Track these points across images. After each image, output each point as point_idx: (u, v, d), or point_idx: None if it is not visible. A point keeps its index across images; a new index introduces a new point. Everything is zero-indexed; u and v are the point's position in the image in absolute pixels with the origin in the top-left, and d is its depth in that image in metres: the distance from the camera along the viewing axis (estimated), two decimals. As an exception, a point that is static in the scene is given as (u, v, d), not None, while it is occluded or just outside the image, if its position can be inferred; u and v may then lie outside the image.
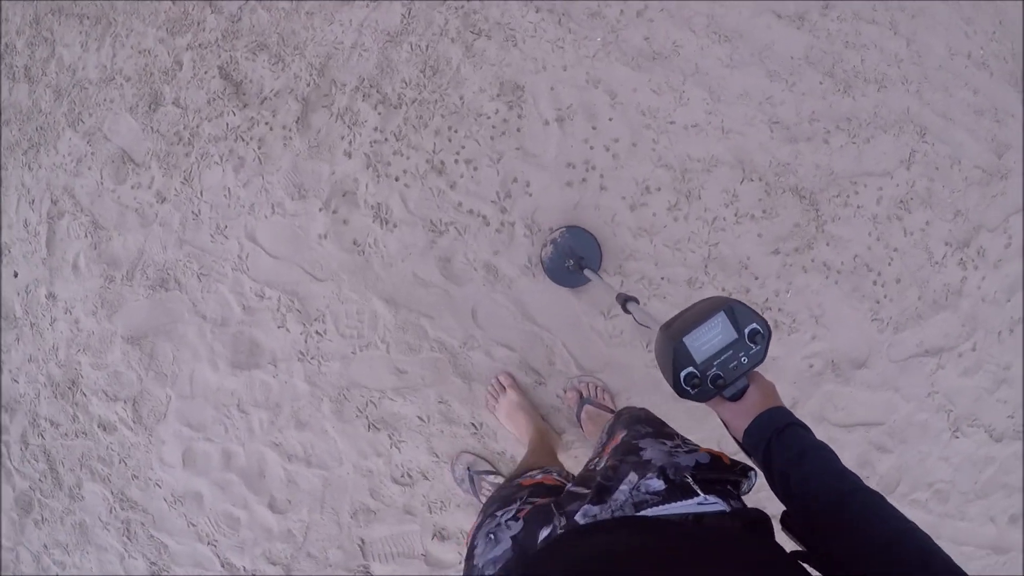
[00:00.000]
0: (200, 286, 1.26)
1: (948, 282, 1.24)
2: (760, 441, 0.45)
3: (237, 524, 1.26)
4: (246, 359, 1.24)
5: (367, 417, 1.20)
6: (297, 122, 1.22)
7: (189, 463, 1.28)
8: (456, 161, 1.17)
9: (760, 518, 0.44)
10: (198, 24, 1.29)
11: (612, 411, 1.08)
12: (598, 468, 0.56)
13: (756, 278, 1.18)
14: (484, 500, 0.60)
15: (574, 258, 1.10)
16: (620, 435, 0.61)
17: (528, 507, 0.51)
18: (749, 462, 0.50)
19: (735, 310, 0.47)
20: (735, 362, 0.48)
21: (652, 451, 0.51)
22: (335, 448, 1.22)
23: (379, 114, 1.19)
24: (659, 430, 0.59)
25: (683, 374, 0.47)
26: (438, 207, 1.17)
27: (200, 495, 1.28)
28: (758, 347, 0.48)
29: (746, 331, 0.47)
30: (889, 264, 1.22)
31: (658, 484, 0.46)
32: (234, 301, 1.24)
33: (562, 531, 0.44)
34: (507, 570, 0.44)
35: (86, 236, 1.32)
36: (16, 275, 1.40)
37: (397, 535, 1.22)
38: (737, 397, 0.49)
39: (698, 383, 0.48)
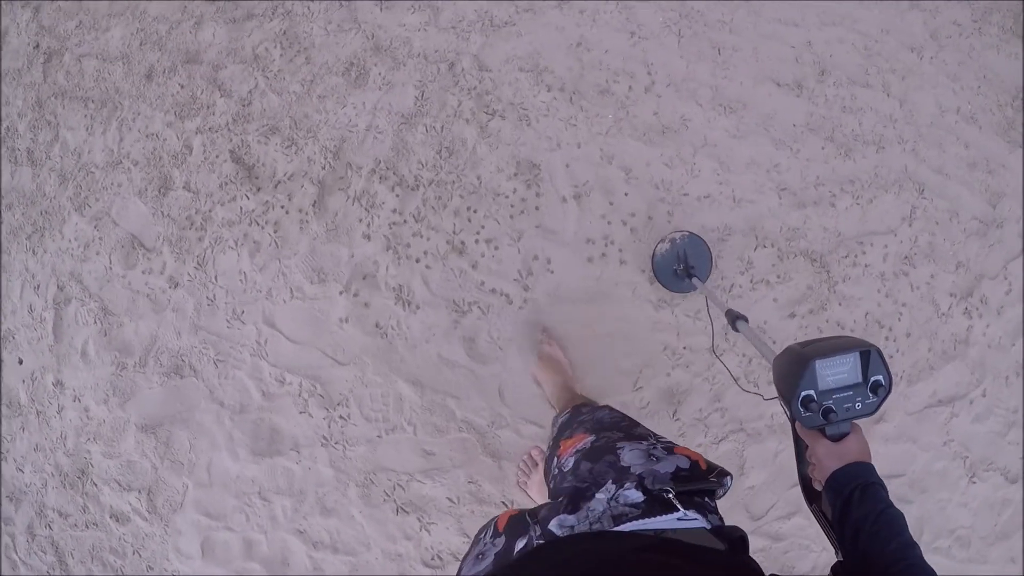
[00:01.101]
0: (217, 372, 1.24)
1: (955, 332, 1.28)
2: (845, 488, 0.46)
3: (263, 618, 1.22)
4: (267, 446, 1.22)
5: (395, 500, 1.19)
6: (313, 205, 1.22)
7: (208, 553, 1.24)
8: (476, 241, 1.18)
9: (742, 536, 0.44)
10: (207, 108, 1.29)
11: None
12: (565, 471, 0.55)
13: (775, 342, 1.21)
14: None
15: (685, 264, 1.10)
16: (584, 437, 0.60)
17: (504, 512, 0.50)
18: (723, 466, 0.51)
19: (870, 355, 0.48)
20: (850, 404, 0.48)
21: (630, 454, 0.51)
22: (363, 533, 1.19)
23: (397, 196, 1.20)
24: (629, 433, 0.59)
25: (803, 394, 0.47)
26: (460, 287, 1.18)
27: (222, 588, 1.24)
28: (875, 399, 0.49)
29: (871, 379, 0.48)
30: (899, 319, 1.25)
31: (636, 495, 0.46)
32: (253, 387, 1.22)
33: (538, 542, 0.44)
34: None
35: (95, 322, 1.29)
36: (21, 362, 1.35)
37: None
38: (836, 438, 0.49)
39: (812, 408, 0.48)
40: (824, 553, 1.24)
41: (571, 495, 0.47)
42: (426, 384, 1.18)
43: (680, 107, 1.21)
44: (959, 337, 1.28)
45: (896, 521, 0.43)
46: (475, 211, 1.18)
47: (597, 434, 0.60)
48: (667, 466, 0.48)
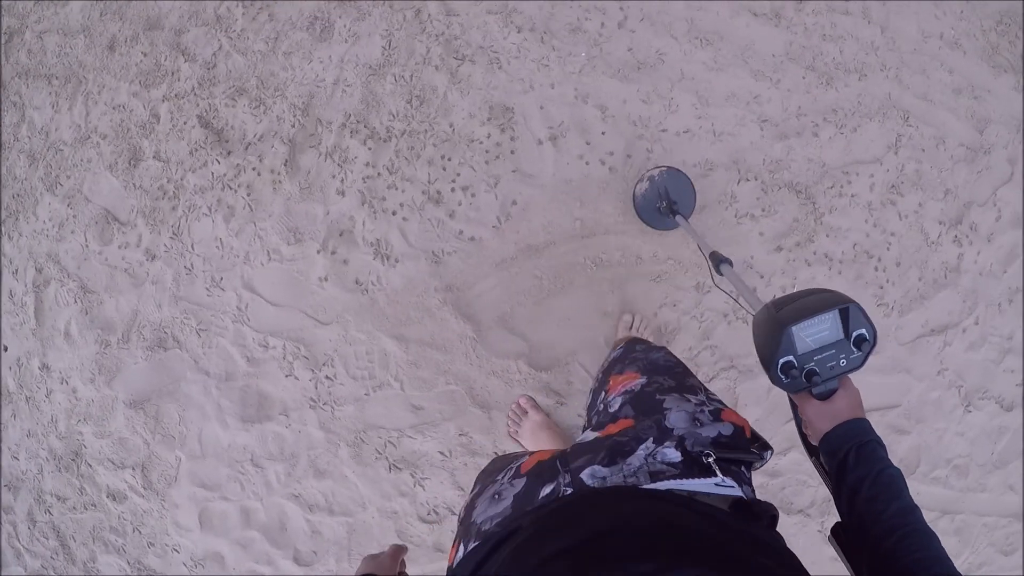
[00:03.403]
0: (200, 342, 1.22)
1: (945, 260, 1.26)
2: (839, 449, 0.44)
3: (264, 582, 1.22)
4: (256, 412, 1.21)
5: (387, 458, 1.18)
6: (285, 165, 1.20)
7: (206, 525, 1.24)
8: (452, 189, 1.16)
9: (773, 515, 0.43)
10: (172, 74, 1.26)
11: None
12: (610, 411, 0.54)
13: (761, 276, 1.19)
14: None
15: (667, 200, 1.07)
16: (636, 378, 0.58)
17: (530, 459, 0.49)
18: (766, 440, 0.49)
19: (850, 311, 0.46)
20: (834, 362, 0.47)
21: (676, 414, 0.50)
22: (357, 493, 1.19)
23: (369, 149, 1.18)
24: (682, 383, 0.57)
25: (782, 361, 0.46)
26: (439, 237, 1.16)
27: (221, 556, 1.24)
28: (860, 353, 0.47)
29: (854, 334, 0.46)
30: (888, 249, 1.23)
31: (675, 455, 0.45)
32: (237, 354, 1.21)
33: (568, 491, 0.42)
34: (504, 526, 0.41)
35: (76, 302, 1.27)
36: (6, 349, 1.34)
37: (429, 575, 1.19)
38: (824, 397, 0.48)
39: (793, 374, 0.46)
40: (822, 488, 1.24)
41: (610, 449, 0.46)
42: (410, 338, 1.16)
43: (655, 41, 1.17)
44: (950, 265, 1.26)
45: (894, 483, 0.42)
46: (449, 159, 1.16)
47: (649, 376, 0.58)
48: (710, 431, 0.47)
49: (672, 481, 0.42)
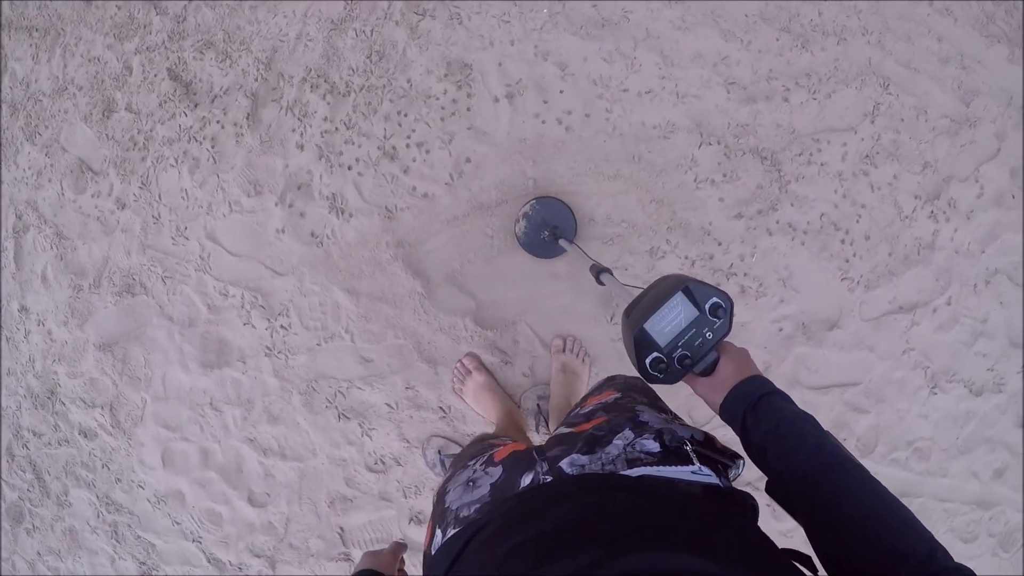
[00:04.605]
0: (165, 289, 1.26)
1: (919, 236, 1.21)
2: (737, 414, 0.45)
3: (220, 520, 1.28)
4: (215, 358, 1.25)
5: (337, 407, 1.21)
6: (247, 118, 1.21)
7: (169, 463, 1.30)
8: (408, 146, 1.16)
9: (754, 505, 0.43)
10: (144, 27, 1.28)
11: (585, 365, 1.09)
12: (582, 412, 0.55)
13: (719, 244, 1.16)
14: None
15: (548, 228, 1.08)
16: (611, 394, 0.59)
17: (503, 447, 0.49)
18: (738, 450, 0.49)
19: (691, 288, 0.47)
20: (700, 339, 0.47)
21: (649, 416, 0.51)
22: (308, 440, 1.23)
23: (328, 104, 1.18)
24: (654, 402, 0.59)
25: (648, 360, 0.47)
26: (392, 192, 1.16)
27: (182, 494, 1.29)
28: (721, 320, 0.47)
29: (707, 306, 0.47)
30: (857, 221, 1.19)
31: (653, 445, 0.45)
32: (199, 301, 1.25)
33: (548, 479, 0.43)
34: (484, 513, 0.42)
35: (52, 248, 1.33)
36: (-11, 291, 1.41)
37: (375, 521, 1.23)
38: (708, 372, 0.48)
39: (665, 366, 0.47)
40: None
41: (587, 440, 0.46)
42: (361, 291, 1.18)
43: (619, -2, 1.14)
44: (924, 242, 1.21)
45: (796, 426, 0.41)
46: (406, 115, 1.16)
47: (623, 392, 0.59)
48: (684, 431, 0.47)
49: (650, 468, 0.43)
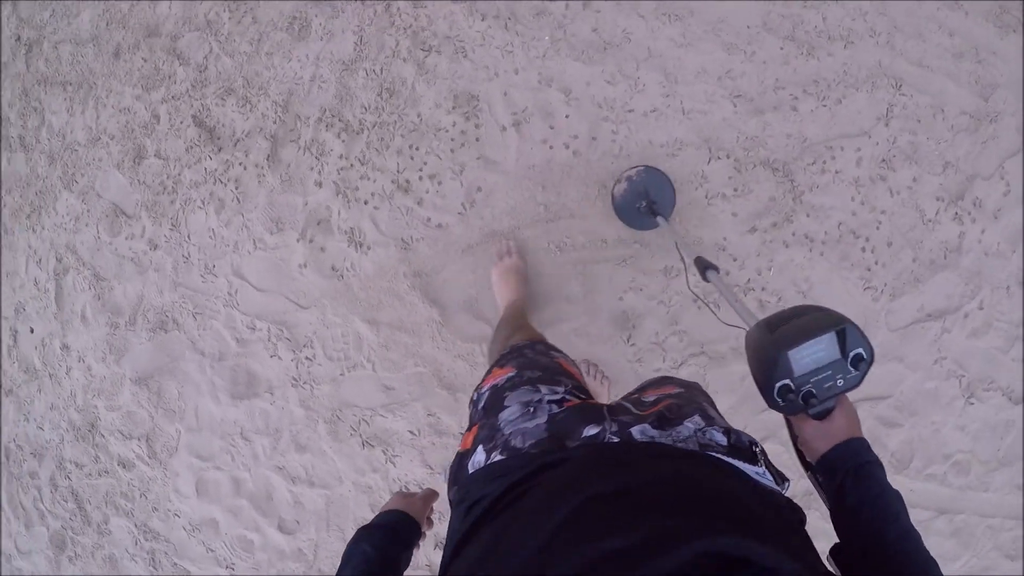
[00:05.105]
0: (196, 324, 1.32)
1: (945, 239, 1.17)
2: (838, 470, 0.45)
3: (251, 547, 1.31)
4: (244, 390, 1.30)
5: (361, 435, 1.23)
6: (268, 159, 1.27)
7: (202, 492, 1.35)
8: (420, 178, 1.19)
9: (801, 519, 0.43)
10: (169, 77, 1.36)
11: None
12: (645, 400, 0.54)
13: (735, 259, 1.15)
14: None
15: (647, 200, 1.05)
16: (673, 388, 0.59)
17: (575, 400, 0.49)
18: (785, 472, 0.49)
19: (847, 331, 0.46)
20: (831, 383, 0.46)
21: (715, 413, 0.51)
22: (334, 467, 1.25)
23: (343, 141, 1.23)
24: (712, 406, 0.58)
25: (779, 385, 0.46)
26: (407, 224, 1.19)
27: (215, 521, 1.34)
28: (857, 373, 0.47)
29: (851, 354, 0.46)
30: (877, 228, 1.16)
31: (722, 438, 0.45)
32: (228, 336, 1.30)
33: (616, 440, 0.42)
34: (541, 449, 0.41)
35: (90, 288, 1.41)
36: (32, 331, 1.50)
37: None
38: (821, 416, 0.48)
39: (791, 397, 0.46)
40: (803, 480, 1.19)
41: (658, 416, 0.46)
42: (381, 322, 1.21)
43: (621, 20, 1.16)
44: (950, 245, 1.17)
45: (892, 506, 0.42)
46: (417, 148, 1.19)
47: (686, 389, 0.59)
48: (747, 436, 0.48)
49: (721, 456, 0.43)
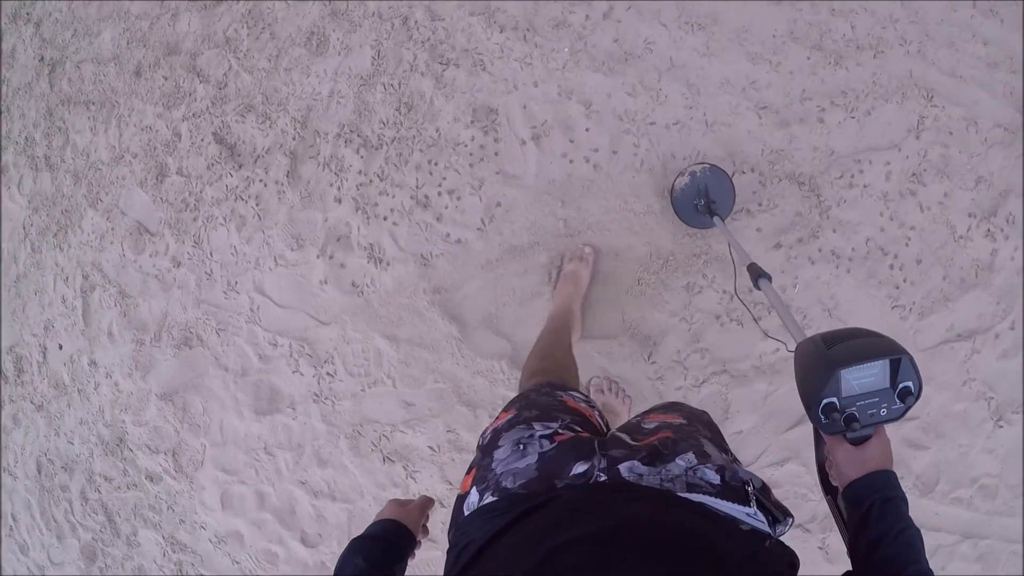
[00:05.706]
0: (219, 341, 1.34)
1: (976, 257, 1.14)
2: (864, 500, 0.44)
3: (276, 559, 1.34)
4: (267, 405, 1.31)
5: (382, 450, 1.24)
6: (288, 176, 1.28)
7: (227, 505, 1.37)
8: (439, 193, 1.19)
9: (792, 562, 0.43)
10: (189, 95, 1.37)
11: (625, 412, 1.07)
12: (645, 427, 0.54)
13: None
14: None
15: (706, 198, 1.04)
16: (677, 417, 0.59)
17: (568, 434, 0.49)
18: (787, 507, 0.49)
19: (902, 362, 0.45)
20: (875, 410, 0.46)
21: (712, 450, 0.50)
22: (356, 482, 1.27)
23: (361, 157, 1.23)
24: (717, 439, 0.58)
25: (825, 402, 0.46)
26: (427, 240, 1.19)
27: (240, 534, 1.36)
28: (901, 405, 0.46)
29: (900, 386, 0.46)
30: (906, 245, 1.13)
31: (715, 477, 0.45)
32: (251, 352, 1.31)
33: (603, 478, 0.43)
34: (529, 489, 0.41)
35: (116, 305, 1.43)
36: (61, 347, 1.53)
37: (421, 562, 1.25)
38: (857, 442, 0.47)
39: (834, 416, 0.46)
40: (823, 504, 1.17)
41: (650, 451, 0.46)
42: (401, 338, 1.21)
43: (643, 30, 1.14)
44: (981, 263, 1.14)
45: (914, 544, 0.42)
46: (436, 163, 1.19)
47: (689, 421, 0.59)
48: (744, 473, 0.48)
49: (708, 497, 0.43)
